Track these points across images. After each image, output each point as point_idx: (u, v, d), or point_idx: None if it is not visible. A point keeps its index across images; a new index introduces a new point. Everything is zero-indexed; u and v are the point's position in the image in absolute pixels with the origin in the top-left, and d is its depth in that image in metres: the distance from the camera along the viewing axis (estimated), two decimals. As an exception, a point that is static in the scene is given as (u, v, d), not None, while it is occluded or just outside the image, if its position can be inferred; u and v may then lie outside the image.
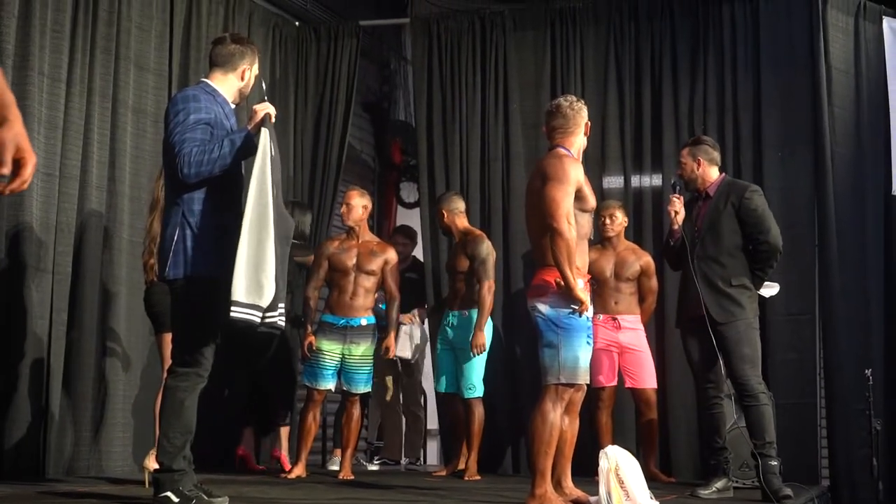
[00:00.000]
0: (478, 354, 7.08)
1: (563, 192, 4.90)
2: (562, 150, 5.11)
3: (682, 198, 6.17)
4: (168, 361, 5.26)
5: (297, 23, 9.02)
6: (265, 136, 4.43)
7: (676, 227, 6.09)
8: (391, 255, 7.20)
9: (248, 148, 4.46)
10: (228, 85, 4.77)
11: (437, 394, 7.54)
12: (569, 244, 4.82)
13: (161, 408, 4.64)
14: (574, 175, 4.95)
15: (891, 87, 8.03)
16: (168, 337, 5.34)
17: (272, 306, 4.37)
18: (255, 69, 4.85)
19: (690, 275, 6.00)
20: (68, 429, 6.53)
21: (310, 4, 9.46)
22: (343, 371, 7.03)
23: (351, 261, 7.06)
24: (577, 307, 4.86)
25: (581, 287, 4.87)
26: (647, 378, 7.25)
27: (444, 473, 7.46)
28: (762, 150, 7.77)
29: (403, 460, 8.77)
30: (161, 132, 7.01)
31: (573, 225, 4.87)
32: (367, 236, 7.21)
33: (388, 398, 8.76)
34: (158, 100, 7.29)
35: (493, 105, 8.46)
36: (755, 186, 6.25)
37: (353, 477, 6.99)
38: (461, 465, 7.35)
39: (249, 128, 4.50)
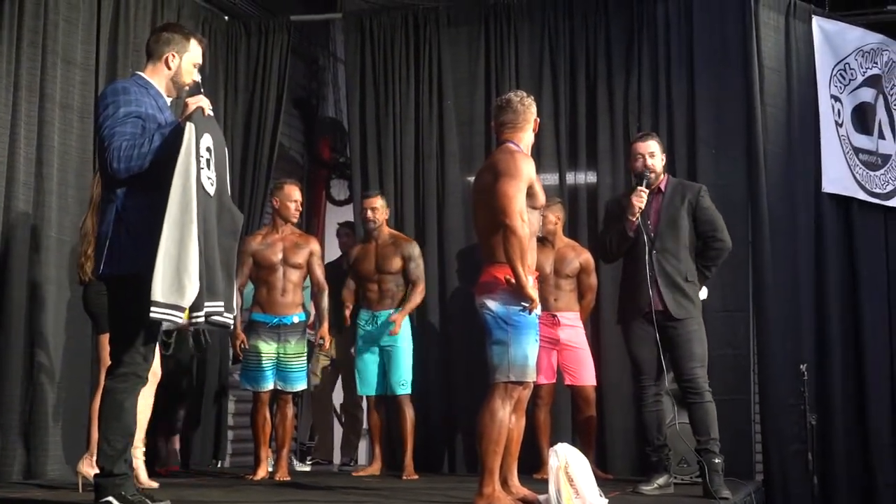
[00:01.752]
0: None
1: (516, 188, 4.85)
2: (512, 146, 5.06)
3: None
4: (106, 363, 5.13)
5: (226, 17, 8.86)
6: (190, 131, 4.27)
7: (635, 219, 5.98)
8: (315, 246, 7.17)
9: (179, 142, 4.30)
10: (159, 76, 4.62)
11: (369, 398, 7.41)
12: (521, 241, 4.78)
13: (100, 411, 4.50)
14: (526, 171, 4.91)
15: (819, 85, 8.14)
16: (106, 338, 5.21)
17: (196, 305, 4.22)
18: (192, 57, 4.66)
19: (643, 269, 5.94)
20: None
21: (239, -1, 9.33)
22: (277, 370, 6.94)
23: (277, 256, 6.98)
24: (527, 304, 4.82)
25: (531, 284, 4.84)
26: (586, 375, 7.24)
27: (364, 473, 7.42)
28: (696, 146, 7.81)
29: (336, 460, 8.67)
30: (87, 128, 6.97)
31: (526, 222, 4.83)
32: (289, 229, 7.14)
33: (314, 387, 8.57)
34: (85, 95, 7.11)
35: (427, 102, 8.39)
36: (705, 186, 6.31)
37: (289, 478, 6.90)
38: (379, 467, 7.39)
39: (180, 121, 4.35)
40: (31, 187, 6.65)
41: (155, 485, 6.04)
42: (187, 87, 4.70)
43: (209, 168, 4.38)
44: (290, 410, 7.06)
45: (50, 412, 6.69)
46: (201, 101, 4.41)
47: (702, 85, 7.88)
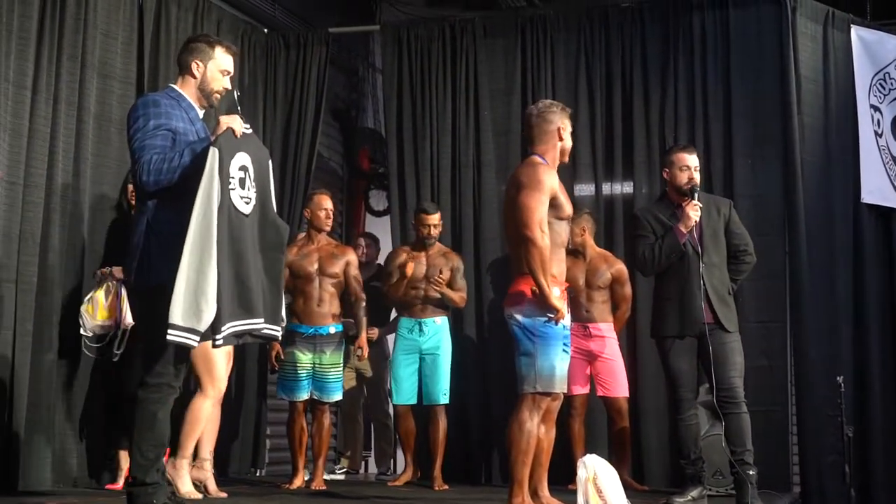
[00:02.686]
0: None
1: (537, 199, 4.90)
2: (536, 158, 5.10)
3: None
4: None
5: (265, 30, 8.94)
6: (213, 157, 4.30)
7: (685, 228, 5.92)
8: (351, 256, 7.21)
9: (203, 165, 4.33)
10: (189, 87, 4.67)
11: (397, 406, 7.45)
12: (542, 252, 4.82)
13: (133, 421, 4.54)
14: (548, 183, 4.95)
15: (858, 94, 8.08)
16: None
17: (214, 328, 4.28)
18: (219, 64, 4.69)
19: (692, 283, 5.91)
20: (33, 441, 6.39)
21: (279, 12, 9.40)
22: (314, 380, 6.98)
23: (313, 266, 7.02)
24: (552, 315, 4.84)
25: (557, 295, 4.86)
26: (618, 387, 7.23)
27: (398, 483, 7.46)
28: (732, 157, 7.78)
29: (364, 470, 8.66)
30: (125, 141, 7.00)
31: (546, 233, 4.87)
32: (325, 240, 7.18)
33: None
34: (124, 108, 7.13)
35: (464, 112, 8.42)
36: (731, 201, 6.37)
37: (325, 487, 6.94)
38: (411, 474, 7.45)
39: (212, 139, 4.39)
40: (68, 199, 6.73)
41: (223, 494, 6.12)
42: (217, 96, 4.73)
43: (243, 187, 4.43)
44: (327, 420, 7.08)
45: (85, 420, 6.79)
46: (232, 123, 4.44)
47: (738, 95, 7.84)
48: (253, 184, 4.49)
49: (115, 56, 7.19)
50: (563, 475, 6.40)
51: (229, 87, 4.77)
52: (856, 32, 8.12)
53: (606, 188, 8.13)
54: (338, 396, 7.11)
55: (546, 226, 4.88)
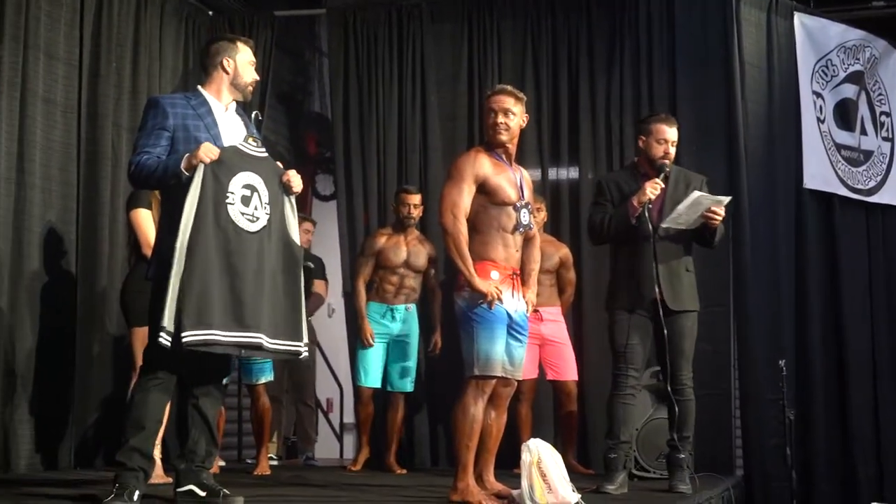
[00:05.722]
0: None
1: (451, 187, 5.02)
2: (476, 147, 5.28)
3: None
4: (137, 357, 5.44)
5: (210, 13, 8.84)
6: (199, 170, 4.41)
7: (638, 203, 5.66)
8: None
9: (175, 177, 4.46)
10: (215, 84, 4.78)
11: (363, 388, 7.35)
12: (455, 237, 4.91)
13: (128, 406, 4.66)
14: (469, 170, 5.01)
15: (801, 81, 8.16)
16: (137, 332, 5.71)
17: (181, 328, 4.32)
18: (245, 57, 4.81)
19: (644, 258, 5.71)
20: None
21: (224, -6, 9.31)
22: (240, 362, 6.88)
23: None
24: (481, 299, 4.87)
25: (497, 279, 4.92)
26: (568, 370, 7.27)
27: (357, 467, 7.43)
28: (678, 143, 7.80)
29: (301, 456, 8.56)
30: (71, 123, 7.11)
31: (459, 219, 4.94)
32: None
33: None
34: (68, 90, 7.12)
35: (410, 97, 8.40)
36: (706, 178, 6.17)
37: (269, 472, 6.91)
38: (364, 457, 7.50)
39: (182, 162, 4.45)
40: (13, 182, 6.64)
41: (169, 479, 6.09)
42: (251, 88, 4.83)
43: (247, 205, 4.52)
44: (262, 404, 6.96)
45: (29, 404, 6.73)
46: (210, 152, 4.45)
47: (683, 82, 7.90)
48: (265, 206, 4.56)
49: (58, 37, 7.07)
50: (509, 459, 6.41)
51: (258, 77, 4.87)
52: (799, 19, 8.20)
53: (553, 173, 8.18)
54: (266, 378, 6.97)
55: (460, 212, 4.94)
